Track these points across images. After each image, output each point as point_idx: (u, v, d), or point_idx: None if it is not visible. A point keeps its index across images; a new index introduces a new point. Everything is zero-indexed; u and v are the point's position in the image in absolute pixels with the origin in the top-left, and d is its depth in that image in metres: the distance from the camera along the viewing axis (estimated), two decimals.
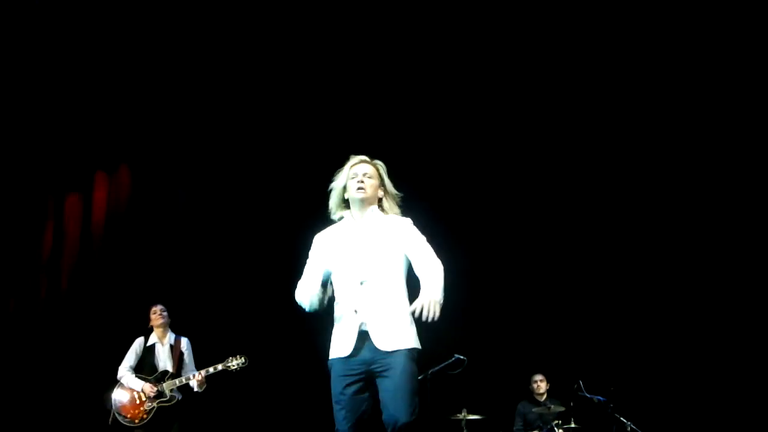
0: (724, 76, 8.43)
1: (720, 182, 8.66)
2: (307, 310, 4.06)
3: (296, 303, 4.13)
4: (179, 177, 9.15)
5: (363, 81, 8.84)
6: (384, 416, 3.88)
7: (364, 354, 3.90)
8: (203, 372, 6.73)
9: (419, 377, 7.09)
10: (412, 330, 3.97)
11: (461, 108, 9.09)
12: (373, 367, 3.89)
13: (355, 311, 3.93)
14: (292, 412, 8.51)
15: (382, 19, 8.49)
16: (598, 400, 7.94)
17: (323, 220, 4.21)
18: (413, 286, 3.99)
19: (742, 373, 8.30)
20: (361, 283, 3.95)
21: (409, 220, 4.13)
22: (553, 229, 9.10)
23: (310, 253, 4.15)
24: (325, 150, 8.67)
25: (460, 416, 7.92)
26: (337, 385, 3.94)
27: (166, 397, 6.74)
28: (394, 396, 3.82)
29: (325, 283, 4.06)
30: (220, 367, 6.72)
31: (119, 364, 6.99)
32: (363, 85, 8.86)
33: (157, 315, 7.01)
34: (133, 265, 8.82)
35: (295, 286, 4.13)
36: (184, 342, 7.06)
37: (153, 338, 7.02)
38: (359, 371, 3.91)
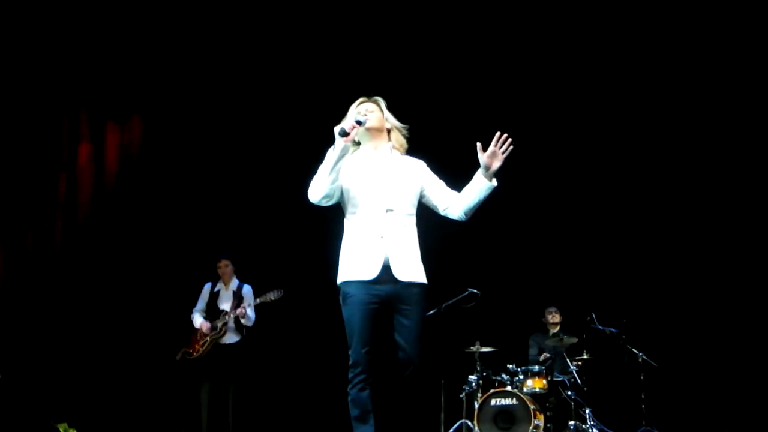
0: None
1: (729, 119, 8.58)
2: (316, 202, 4.06)
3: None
4: (190, 125, 9.12)
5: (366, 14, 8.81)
6: (401, 355, 4.01)
7: (386, 282, 3.99)
8: (244, 307, 7.52)
9: (432, 311, 7.22)
10: (422, 264, 4.12)
11: (462, 48, 9.02)
12: (392, 297, 4.00)
13: (381, 237, 4.01)
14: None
15: None
16: (611, 331, 8.03)
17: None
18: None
19: (754, 303, 8.35)
20: (387, 211, 4.04)
21: (423, 162, 4.27)
22: (565, 161, 9.05)
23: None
24: (331, 84, 8.71)
25: (474, 349, 8.03)
26: (354, 308, 4.02)
27: (217, 329, 7.52)
28: (412, 338, 4.00)
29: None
30: (258, 300, 7.54)
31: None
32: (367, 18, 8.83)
33: (221, 269, 7.80)
34: (146, 209, 8.88)
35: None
36: (247, 288, 7.77)
37: (219, 284, 7.83)
38: (379, 298, 3.99)
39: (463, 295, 7.70)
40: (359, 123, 4.03)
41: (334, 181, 4.01)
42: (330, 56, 8.98)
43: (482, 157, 4.00)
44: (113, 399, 7.89)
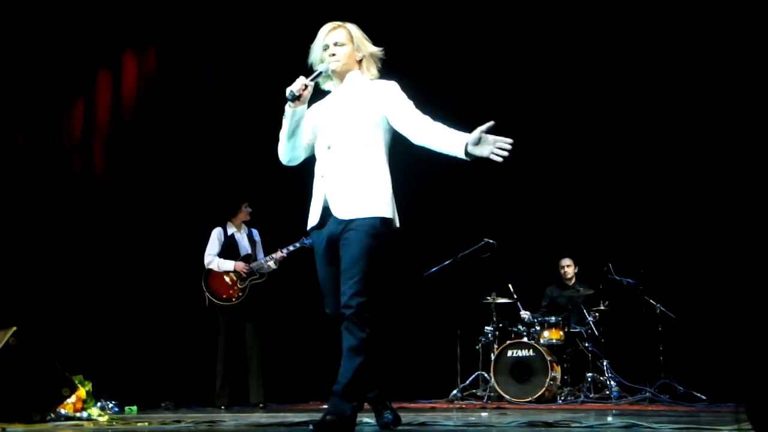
0: None
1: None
2: (285, 164, 3.96)
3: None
4: (206, 57, 8.94)
5: None
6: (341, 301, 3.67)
7: (329, 225, 3.75)
8: (284, 251, 7.42)
9: (448, 262, 7.05)
10: (379, 198, 3.73)
11: None
12: (336, 238, 3.72)
13: (322, 176, 3.80)
14: None
15: None
16: (628, 282, 7.96)
17: None
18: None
19: None
20: (328, 148, 3.80)
21: (394, 83, 3.87)
22: (581, 109, 8.87)
23: None
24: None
25: (490, 299, 7.98)
26: (315, 257, 3.87)
27: (256, 275, 7.45)
28: (343, 275, 3.63)
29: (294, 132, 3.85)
30: (298, 245, 7.37)
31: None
32: None
33: (244, 214, 7.68)
34: (165, 145, 8.73)
35: None
36: (255, 232, 7.78)
37: (231, 228, 7.67)
38: (328, 242, 3.76)
39: (479, 245, 7.65)
40: (318, 74, 3.79)
41: (295, 146, 3.87)
42: None
43: (479, 133, 3.46)
44: (127, 350, 7.84)
